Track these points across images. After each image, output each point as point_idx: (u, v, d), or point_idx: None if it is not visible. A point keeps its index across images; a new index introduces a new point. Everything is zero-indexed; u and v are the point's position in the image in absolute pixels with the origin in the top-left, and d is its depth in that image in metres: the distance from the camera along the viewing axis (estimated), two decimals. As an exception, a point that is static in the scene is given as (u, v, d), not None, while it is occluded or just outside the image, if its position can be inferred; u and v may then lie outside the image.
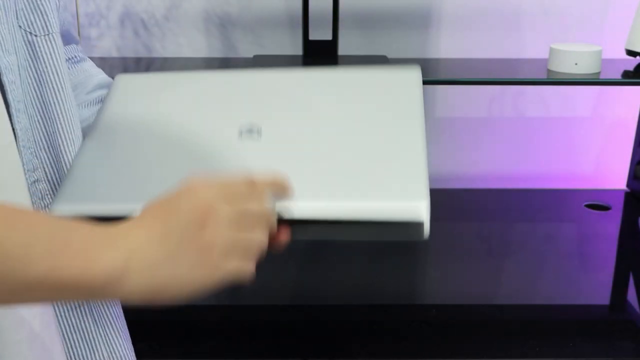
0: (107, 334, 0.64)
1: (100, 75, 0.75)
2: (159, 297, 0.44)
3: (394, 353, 0.90)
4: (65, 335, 0.61)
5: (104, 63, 1.28)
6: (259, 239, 0.48)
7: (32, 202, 0.56)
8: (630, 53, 1.21)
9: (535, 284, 1.10)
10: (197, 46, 1.42)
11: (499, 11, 1.41)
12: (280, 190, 0.51)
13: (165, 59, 1.36)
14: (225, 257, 0.45)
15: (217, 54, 1.43)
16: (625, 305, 1.05)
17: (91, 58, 1.37)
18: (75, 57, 0.74)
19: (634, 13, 1.21)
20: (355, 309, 1.01)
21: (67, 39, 0.70)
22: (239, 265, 0.46)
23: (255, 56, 1.31)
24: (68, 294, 0.43)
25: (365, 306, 1.02)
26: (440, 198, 1.43)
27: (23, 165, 0.55)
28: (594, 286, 1.10)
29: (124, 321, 0.68)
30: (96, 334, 0.63)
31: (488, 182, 1.53)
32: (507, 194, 1.47)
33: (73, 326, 0.61)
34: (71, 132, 0.60)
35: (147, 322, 0.92)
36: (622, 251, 1.22)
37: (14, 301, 0.44)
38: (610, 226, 1.33)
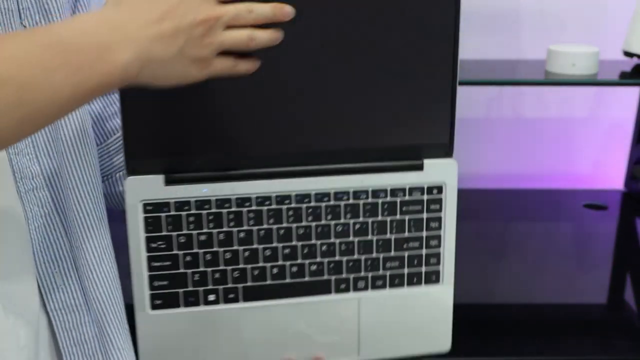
0: (107, 349, 0.64)
1: None
2: (159, 84, 0.49)
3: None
4: (64, 348, 0.60)
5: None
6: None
7: (29, 210, 0.56)
8: (628, 54, 1.21)
9: (534, 284, 1.10)
10: (197, 47, 1.42)
11: (497, 12, 1.42)
12: None
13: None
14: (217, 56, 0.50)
15: (217, 54, 1.43)
16: (622, 305, 1.06)
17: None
18: None
19: (631, 14, 1.22)
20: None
21: None
22: (230, 63, 0.51)
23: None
24: (90, 97, 0.47)
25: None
26: (439, 198, 1.43)
27: (14, 173, 0.54)
28: (591, 286, 1.10)
29: (127, 334, 0.67)
30: (96, 348, 0.63)
31: (486, 182, 1.54)
32: (506, 194, 1.47)
33: (73, 339, 0.61)
34: (76, 139, 0.59)
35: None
36: (619, 251, 1.23)
37: (46, 123, 0.47)
38: (608, 226, 1.33)
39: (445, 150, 0.71)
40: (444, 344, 0.75)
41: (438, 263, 0.72)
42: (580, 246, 1.27)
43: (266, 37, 0.51)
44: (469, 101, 1.51)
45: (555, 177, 1.56)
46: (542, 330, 0.95)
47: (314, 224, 0.66)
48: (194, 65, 0.49)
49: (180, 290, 0.65)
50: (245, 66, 0.52)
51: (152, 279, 0.64)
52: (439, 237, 0.72)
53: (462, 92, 1.61)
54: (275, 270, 0.66)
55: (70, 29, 0.46)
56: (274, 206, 0.65)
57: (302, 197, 0.65)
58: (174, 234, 0.63)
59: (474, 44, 1.43)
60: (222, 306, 0.66)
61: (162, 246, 0.63)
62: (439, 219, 0.71)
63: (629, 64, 1.24)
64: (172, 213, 0.63)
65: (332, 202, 0.66)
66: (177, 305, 0.65)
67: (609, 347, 0.91)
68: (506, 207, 1.42)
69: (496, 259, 1.20)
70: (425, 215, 0.70)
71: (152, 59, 0.47)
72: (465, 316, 1.01)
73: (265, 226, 0.65)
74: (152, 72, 0.48)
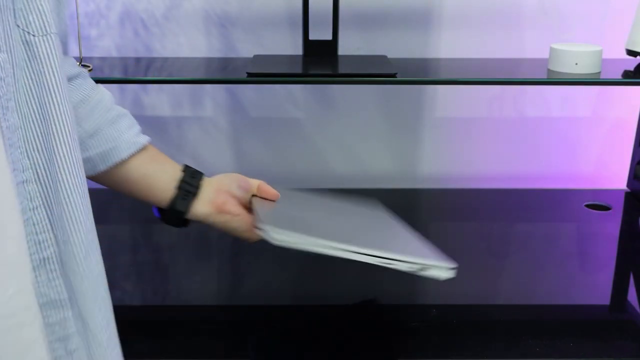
0: (90, 345, 0.63)
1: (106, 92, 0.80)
2: None
3: (393, 353, 0.90)
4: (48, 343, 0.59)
5: (103, 63, 1.28)
6: None
7: (19, 202, 0.55)
8: (631, 53, 1.20)
9: (535, 284, 1.10)
10: (197, 46, 1.42)
11: (499, 11, 1.41)
12: None
13: (166, 59, 1.36)
14: None
15: (217, 53, 1.43)
16: (625, 305, 1.05)
17: (91, 58, 1.37)
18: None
19: (634, 13, 1.21)
20: (355, 309, 1.01)
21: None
22: None
23: (255, 56, 1.31)
24: None
25: (365, 306, 1.02)
26: (440, 198, 1.43)
27: (10, 164, 0.54)
28: (594, 286, 1.10)
29: (112, 332, 0.66)
30: (79, 344, 0.62)
31: (487, 182, 1.53)
32: (507, 194, 1.47)
33: (56, 334, 0.59)
34: (67, 134, 0.59)
35: (146, 322, 0.91)
36: (622, 251, 1.22)
37: None
38: (611, 226, 1.32)
39: None
40: None
41: None
42: (583, 247, 1.26)
43: None
44: (470, 100, 1.50)
45: (557, 177, 1.55)
46: (544, 331, 0.94)
47: None
48: None
49: None
50: None
51: None
52: None
53: (463, 91, 1.62)
54: None
55: None
56: None
57: None
58: None
59: (476, 43, 1.42)
60: None
61: None
62: None
63: (632, 63, 1.24)
64: None
65: None
66: None
67: (611, 349, 0.91)
68: (507, 207, 1.42)
69: (497, 259, 1.19)
70: None
71: None
72: (466, 317, 1.00)
73: None
74: None
